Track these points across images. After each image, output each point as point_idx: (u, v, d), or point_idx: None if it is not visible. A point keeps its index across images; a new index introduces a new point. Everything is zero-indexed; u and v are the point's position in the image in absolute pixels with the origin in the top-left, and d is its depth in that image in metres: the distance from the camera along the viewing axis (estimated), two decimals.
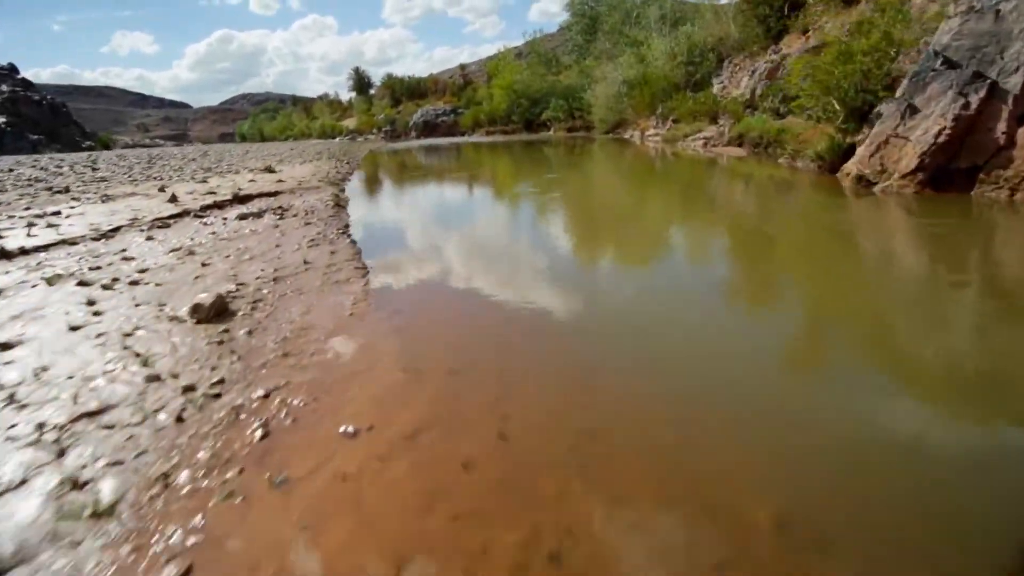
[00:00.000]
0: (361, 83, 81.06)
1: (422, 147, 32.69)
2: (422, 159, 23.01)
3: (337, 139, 62.06)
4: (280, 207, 7.80)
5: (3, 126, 39.75)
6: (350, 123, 71.54)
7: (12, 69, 51.96)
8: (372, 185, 13.02)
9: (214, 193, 9.18)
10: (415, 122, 51.45)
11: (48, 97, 50.31)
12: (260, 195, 9.03)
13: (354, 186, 11.94)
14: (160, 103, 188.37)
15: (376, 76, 77.38)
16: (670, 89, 24.10)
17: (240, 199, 8.63)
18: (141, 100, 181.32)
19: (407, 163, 21.41)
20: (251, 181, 11.04)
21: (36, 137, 41.28)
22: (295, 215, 7.17)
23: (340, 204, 8.28)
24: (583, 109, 35.38)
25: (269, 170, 13.23)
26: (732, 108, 15.75)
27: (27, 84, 49.32)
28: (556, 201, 8.97)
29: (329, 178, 12.03)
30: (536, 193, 10.06)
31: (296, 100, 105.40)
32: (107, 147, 50.00)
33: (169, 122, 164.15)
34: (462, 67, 70.30)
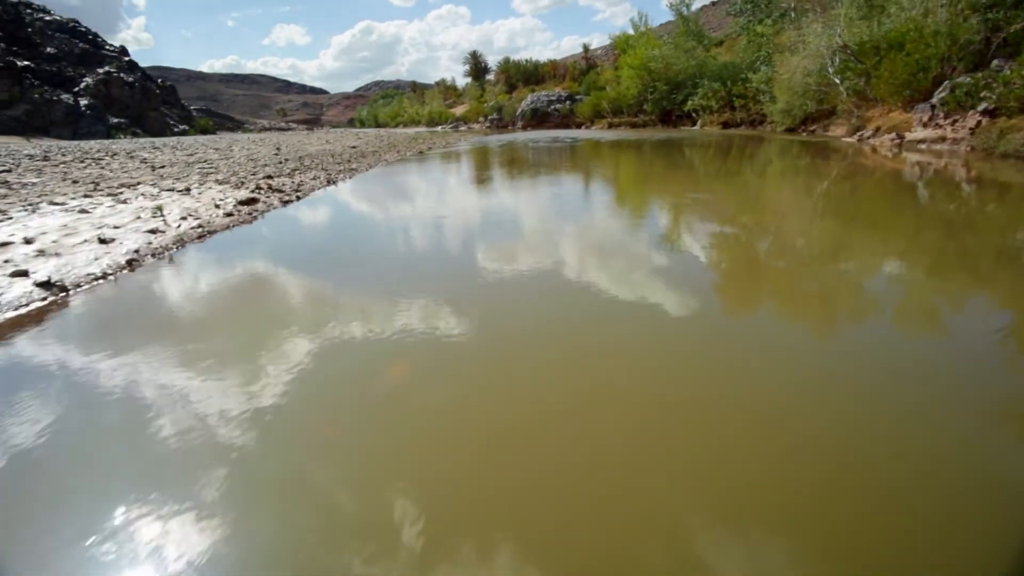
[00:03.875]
0: (477, 68, 75.82)
1: (514, 144, 24.79)
2: (465, 174, 15.11)
3: (440, 127, 56.99)
4: None
5: (84, 108, 39.56)
6: (461, 110, 66.64)
7: (122, 51, 53.63)
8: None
9: None
10: (523, 110, 43.85)
11: (159, 79, 51.01)
12: None
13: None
14: (302, 89, 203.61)
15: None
16: (953, 56, 13.54)
17: None
18: (286, 87, 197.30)
19: (416, 189, 13.72)
20: None
21: (116, 121, 40.64)
22: None
23: None
24: (747, 96, 25.02)
25: None
26: None
27: (132, 66, 49.99)
28: None
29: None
30: None
31: (415, 86, 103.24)
32: (205, 132, 49.49)
33: (307, 107, 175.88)
34: (585, 48, 60.89)
